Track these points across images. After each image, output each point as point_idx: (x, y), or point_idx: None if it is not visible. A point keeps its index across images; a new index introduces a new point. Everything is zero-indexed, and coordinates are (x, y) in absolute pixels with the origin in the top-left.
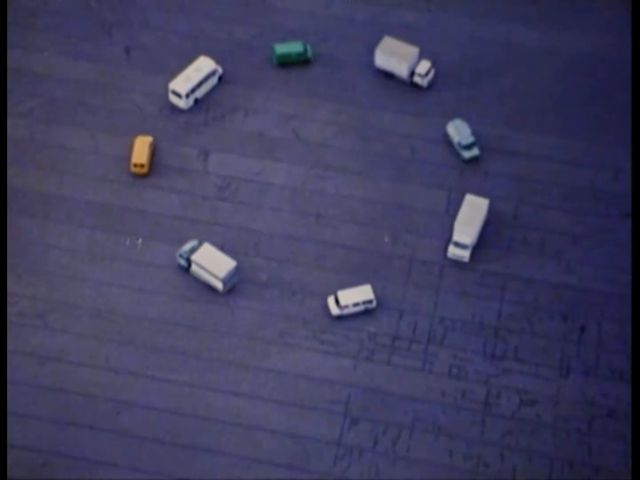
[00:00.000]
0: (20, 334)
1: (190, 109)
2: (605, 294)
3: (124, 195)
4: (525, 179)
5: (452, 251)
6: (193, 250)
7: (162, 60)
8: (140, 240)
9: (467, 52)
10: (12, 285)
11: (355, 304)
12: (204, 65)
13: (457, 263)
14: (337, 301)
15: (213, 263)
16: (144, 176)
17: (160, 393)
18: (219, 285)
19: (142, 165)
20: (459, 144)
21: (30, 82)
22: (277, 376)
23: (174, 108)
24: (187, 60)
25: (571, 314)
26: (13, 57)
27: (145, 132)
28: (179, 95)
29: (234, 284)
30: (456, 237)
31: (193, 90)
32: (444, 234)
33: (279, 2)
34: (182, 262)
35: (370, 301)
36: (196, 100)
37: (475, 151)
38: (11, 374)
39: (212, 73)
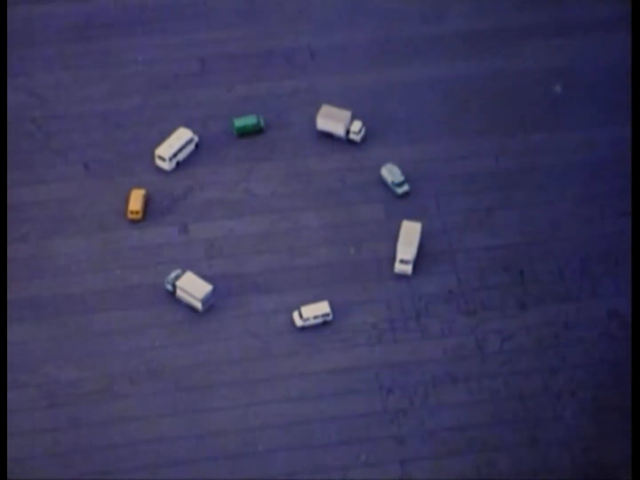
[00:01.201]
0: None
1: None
2: (526, 246)
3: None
4: (447, 205)
5: (398, 267)
6: (177, 277)
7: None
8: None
9: (388, 108)
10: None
11: (315, 317)
12: (183, 135)
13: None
14: (300, 315)
15: (193, 287)
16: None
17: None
18: (198, 305)
19: (136, 212)
20: (393, 182)
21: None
22: (313, 376)
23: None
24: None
25: (510, 266)
26: None
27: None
28: (163, 159)
29: (211, 304)
30: (400, 255)
31: (175, 155)
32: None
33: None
34: (169, 286)
35: (327, 314)
36: (177, 163)
37: (406, 187)
38: None
39: (190, 141)
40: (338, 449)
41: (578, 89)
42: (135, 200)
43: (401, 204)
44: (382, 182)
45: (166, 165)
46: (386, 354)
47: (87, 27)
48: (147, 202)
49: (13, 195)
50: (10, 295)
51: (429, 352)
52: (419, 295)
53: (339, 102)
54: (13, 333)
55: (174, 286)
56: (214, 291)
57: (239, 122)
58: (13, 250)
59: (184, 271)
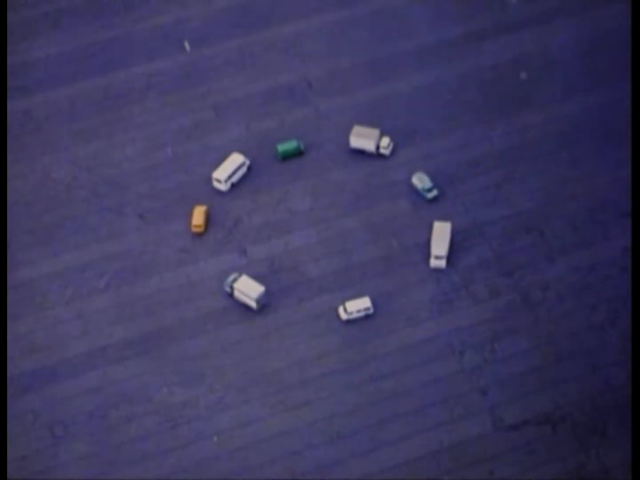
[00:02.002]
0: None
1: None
2: (538, 209)
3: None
4: (477, 209)
5: (433, 263)
6: (234, 280)
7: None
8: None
9: (415, 123)
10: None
11: (358, 311)
12: (236, 159)
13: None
14: (344, 309)
15: (248, 288)
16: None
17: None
18: (253, 304)
19: (199, 226)
20: (423, 188)
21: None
22: (387, 356)
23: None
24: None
25: (530, 228)
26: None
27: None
28: (219, 181)
29: (265, 303)
30: (435, 252)
31: (229, 177)
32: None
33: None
34: (227, 288)
35: (369, 308)
36: (232, 185)
37: (435, 192)
38: None
39: (242, 164)
40: (431, 410)
41: (540, 72)
42: (198, 216)
43: (431, 207)
44: (413, 189)
45: (222, 187)
46: (448, 323)
47: (105, 99)
48: (209, 217)
49: (84, 253)
50: (116, 339)
51: (484, 313)
52: (462, 269)
53: (345, 120)
54: (127, 370)
55: (232, 288)
56: (266, 292)
57: (282, 147)
58: (104, 299)
59: (240, 274)
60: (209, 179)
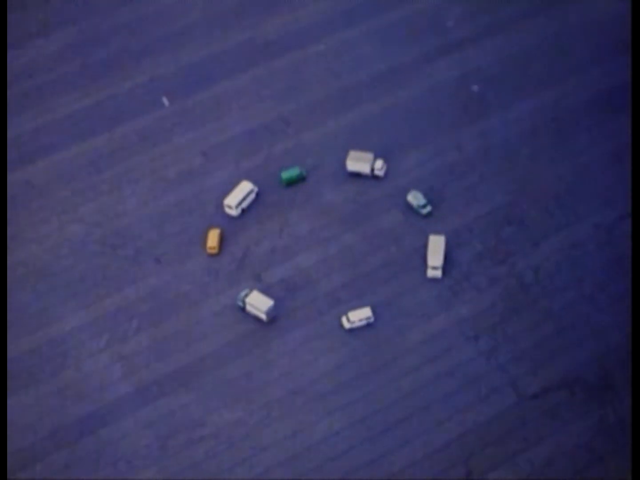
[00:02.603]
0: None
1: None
2: (513, 201)
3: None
4: (462, 211)
5: (430, 273)
6: (246, 295)
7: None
8: None
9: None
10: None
11: (360, 320)
12: (245, 187)
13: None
14: (347, 319)
15: (259, 302)
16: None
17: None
18: (263, 317)
19: (214, 248)
20: (418, 205)
21: (123, 312)
22: (406, 354)
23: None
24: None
25: (511, 219)
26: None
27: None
28: (230, 207)
29: (274, 315)
30: (431, 263)
31: (239, 203)
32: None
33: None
34: (239, 303)
35: (369, 317)
36: (243, 210)
37: (429, 208)
38: None
39: (251, 191)
40: (457, 396)
41: (488, 83)
42: (213, 237)
43: (426, 222)
44: (409, 206)
45: (233, 212)
46: (457, 314)
47: (100, 158)
48: (222, 239)
49: (110, 302)
50: (156, 375)
51: (488, 299)
52: (460, 264)
53: (322, 147)
54: (174, 402)
55: (244, 302)
56: (275, 305)
57: (285, 174)
58: (138, 340)
59: (251, 290)
60: (212, 215)
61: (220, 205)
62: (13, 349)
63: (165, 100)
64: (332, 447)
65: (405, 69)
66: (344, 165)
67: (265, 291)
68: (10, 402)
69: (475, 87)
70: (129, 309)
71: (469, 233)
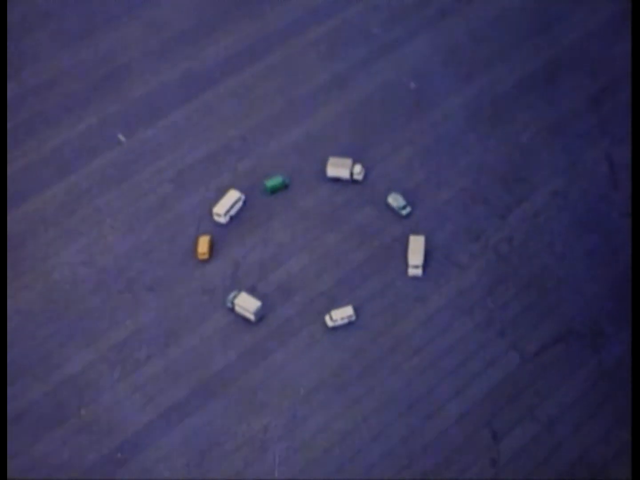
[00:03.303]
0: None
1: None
2: (480, 181)
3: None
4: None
5: (411, 272)
6: (235, 296)
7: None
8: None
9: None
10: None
11: (342, 318)
12: (233, 195)
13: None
14: (330, 317)
15: (247, 304)
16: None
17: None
18: (251, 317)
19: (204, 253)
20: (397, 207)
21: (133, 340)
22: (415, 332)
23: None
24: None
25: (475, 200)
26: None
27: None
28: (219, 215)
29: (262, 315)
30: (411, 262)
31: (228, 211)
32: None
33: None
34: (229, 304)
35: (351, 316)
36: (231, 217)
37: (408, 209)
38: None
39: (239, 199)
40: (467, 366)
41: (423, 79)
42: (203, 244)
43: (406, 222)
44: (390, 208)
45: (222, 219)
46: (448, 292)
47: (70, 202)
48: (212, 244)
49: (113, 335)
50: (177, 397)
51: (473, 274)
52: (438, 247)
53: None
54: (200, 419)
55: (233, 304)
56: (263, 306)
57: (269, 183)
58: (151, 367)
59: (239, 292)
60: (193, 237)
61: (199, 225)
62: (27, 397)
63: (121, 137)
64: (359, 441)
65: (347, 76)
66: (314, 172)
67: (263, 299)
68: (39, 446)
69: (413, 85)
70: (135, 338)
71: (440, 216)
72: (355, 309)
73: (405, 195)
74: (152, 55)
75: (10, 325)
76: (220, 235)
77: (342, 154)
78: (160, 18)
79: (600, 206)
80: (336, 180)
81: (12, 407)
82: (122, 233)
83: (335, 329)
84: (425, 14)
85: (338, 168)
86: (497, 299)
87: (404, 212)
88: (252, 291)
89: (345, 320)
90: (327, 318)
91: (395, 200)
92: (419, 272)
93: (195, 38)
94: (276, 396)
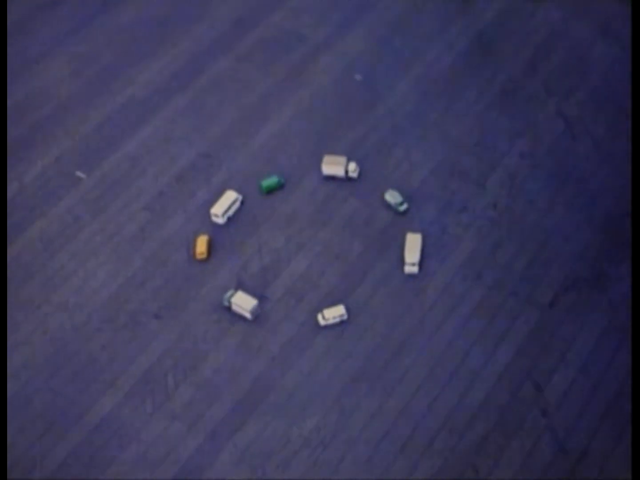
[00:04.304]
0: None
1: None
2: (454, 157)
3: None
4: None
5: (407, 269)
6: (232, 295)
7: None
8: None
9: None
10: None
11: (334, 317)
12: (230, 196)
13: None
14: (322, 316)
15: (244, 302)
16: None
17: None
18: (248, 315)
19: (202, 253)
20: (395, 203)
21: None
22: (430, 295)
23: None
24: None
25: (453, 172)
26: None
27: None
28: (217, 216)
29: (258, 314)
30: (408, 259)
31: (225, 212)
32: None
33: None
34: (226, 303)
35: (342, 315)
36: (228, 218)
37: (405, 206)
38: None
39: (236, 200)
40: (493, 328)
41: (367, 70)
42: (201, 244)
43: (403, 219)
44: (386, 205)
45: (220, 220)
46: (454, 260)
47: (48, 247)
48: (211, 245)
49: (136, 370)
50: (219, 417)
51: (470, 244)
52: (432, 223)
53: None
54: (247, 434)
55: (230, 302)
56: (260, 304)
57: (265, 183)
58: (184, 393)
59: (236, 290)
60: (185, 260)
61: (190, 246)
62: (61, 452)
63: (80, 174)
64: (416, 409)
65: (293, 78)
66: (308, 170)
67: (278, 304)
68: None
69: (358, 76)
70: (157, 368)
71: (427, 197)
72: (355, 305)
73: (385, 181)
74: (90, 87)
75: (20, 381)
76: (218, 235)
77: (311, 151)
78: (89, 52)
79: (567, 158)
80: (331, 178)
81: (48, 465)
82: (111, 269)
83: (327, 326)
84: (348, 8)
85: (333, 166)
86: (499, 261)
87: (402, 208)
88: (252, 290)
89: (337, 319)
90: (319, 317)
91: (392, 196)
92: (415, 269)
93: (128, 65)
94: (321, 395)
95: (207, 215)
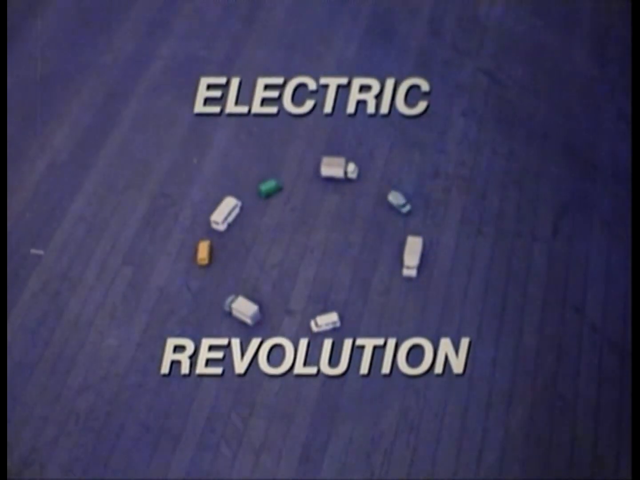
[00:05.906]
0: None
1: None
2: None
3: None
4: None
5: (405, 272)
6: (232, 300)
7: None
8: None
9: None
10: None
11: (327, 324)
12: (230, 202)
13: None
14: (315, 323)
15: (244, 308)
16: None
17: None
18: (248, 321)
19: (204, 259)
20: (399, 204)
21: None
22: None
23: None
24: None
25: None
26: None
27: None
28: (217, 223)
29: (259, 319)
30: (407, 262)
31: (225, 218)
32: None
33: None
34: (227, 308)
35: (335, 322)
36: (229, 225)
37: (408, 207)
38: None
39: (235, 206)
40: (514, 265)
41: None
42: (203, 249)
43: (407, 220)
44: (390, 206)
45: (220, 227)
46: (453, 222)
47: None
48: (212, 250)
49: (190, 431)
50: (298, 441)
51: (469, 209)
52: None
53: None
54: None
55: (230, 308)
56: (260, 309)
57: (264, 187)
58: (253, 432)
59: (237, 296)
60: (182, 311)
61: (185, 291)
62: None
63: (35, 251)
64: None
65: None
66: (306, 173)
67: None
68: None
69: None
70: (216, 414)
71: (427, 197)
72: (353, 309)
73: (385, 182)
74: (28, 135)
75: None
76: (219, 242)
77: (309, 152)
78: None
79: (504, 105)
80: (330, 179)
81: None
82: (118, 332)
83: (319, 333)
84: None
85: (332, 167)
86: (489, 210)
87: (405, 209)
88: (289, 314)
89: (330, 326)
90: (312, 324)
91: (395, 198)
92: (413, 272)
93: (33, 134)
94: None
95: (207, 223)
